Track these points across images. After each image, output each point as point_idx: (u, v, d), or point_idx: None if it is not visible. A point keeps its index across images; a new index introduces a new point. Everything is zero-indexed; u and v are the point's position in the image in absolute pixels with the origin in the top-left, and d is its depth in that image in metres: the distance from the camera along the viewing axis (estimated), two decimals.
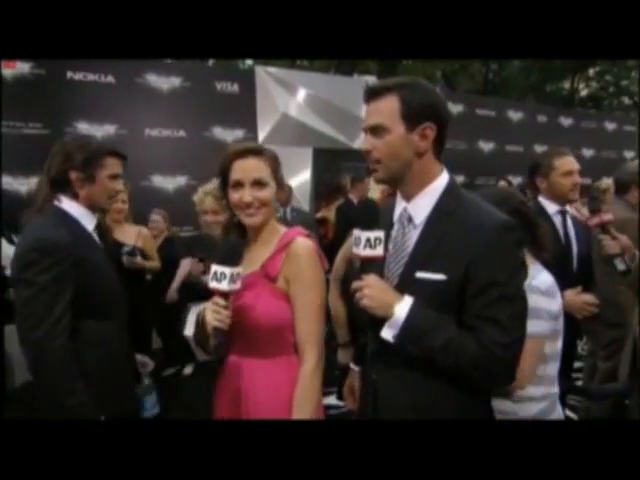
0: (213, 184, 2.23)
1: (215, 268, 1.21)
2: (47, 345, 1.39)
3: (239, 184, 1.32)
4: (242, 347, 1.37)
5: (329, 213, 5.24)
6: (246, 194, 1.31)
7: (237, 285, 1.23)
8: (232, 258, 1.24)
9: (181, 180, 5.20)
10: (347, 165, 5.88)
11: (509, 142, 7.59)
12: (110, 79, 4.85)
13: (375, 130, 1.14)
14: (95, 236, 1.62)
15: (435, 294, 1.09)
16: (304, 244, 1.33)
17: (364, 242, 1.12)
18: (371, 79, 6.59)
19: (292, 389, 1.29)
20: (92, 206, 1.62)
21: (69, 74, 4.67)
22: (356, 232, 1.14)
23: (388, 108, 1.12)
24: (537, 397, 1.44)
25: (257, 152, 1.34)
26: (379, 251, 1.13)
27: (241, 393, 1.35)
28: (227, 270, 1.20)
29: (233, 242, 1.37)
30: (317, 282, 1.32)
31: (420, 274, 1.11)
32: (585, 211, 4.04)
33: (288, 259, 1.31)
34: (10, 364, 4.04)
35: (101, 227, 1.71)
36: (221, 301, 1.23)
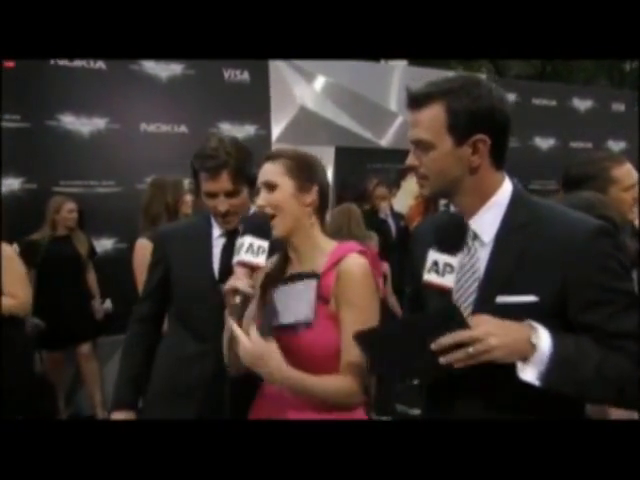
0: None
1: (251, 240, 1.29)
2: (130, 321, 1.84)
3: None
4: None
5: None
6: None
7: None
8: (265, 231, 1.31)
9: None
10: (374, 167, 5.61)
11: (574, 137, 7.01)
12: (100, 65, 4.61)
13: (419, 144, 1.12)
14: (212, 241, 1.76)
15: (525, 318, 1.04)
16: (358, 262, 1.34)
17: (442, 268, 1.15)
18: (400, 64, 6.25)
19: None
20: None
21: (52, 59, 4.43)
22: (433, 255, 1.18)
23: (432, 120, 1.09)
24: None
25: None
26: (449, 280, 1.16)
27: None
28: (265, 243, 1.30)
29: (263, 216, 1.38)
30: (370, 306, 1.33)
31: (502, 298, 1.08)
32: None
33: (339, 278, 1.32)
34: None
35: (231, 235, 1.72)
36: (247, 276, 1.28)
